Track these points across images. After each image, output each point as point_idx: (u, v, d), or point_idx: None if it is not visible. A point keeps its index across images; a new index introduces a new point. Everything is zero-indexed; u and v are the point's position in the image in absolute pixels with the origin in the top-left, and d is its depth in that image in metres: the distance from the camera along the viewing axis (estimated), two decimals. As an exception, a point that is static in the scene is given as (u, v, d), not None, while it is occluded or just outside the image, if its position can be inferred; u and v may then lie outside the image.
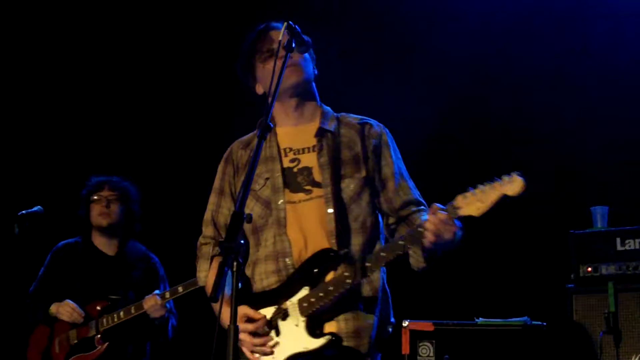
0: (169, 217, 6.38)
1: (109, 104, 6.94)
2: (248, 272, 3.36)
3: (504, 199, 2.97)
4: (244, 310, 3.18)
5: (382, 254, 3.15)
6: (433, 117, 6.13)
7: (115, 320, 5.17)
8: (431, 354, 5.01)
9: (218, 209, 3.48)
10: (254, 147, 3.27)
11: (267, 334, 3.20)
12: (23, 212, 5.04)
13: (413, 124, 5.81)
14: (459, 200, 3.03)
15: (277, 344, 3.19)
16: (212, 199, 3.52)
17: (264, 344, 3.18)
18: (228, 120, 3.60)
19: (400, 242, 3.13)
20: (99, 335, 5.19)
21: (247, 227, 3.33)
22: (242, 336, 3.13)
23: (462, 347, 5.00)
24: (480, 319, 5.08)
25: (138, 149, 6.87)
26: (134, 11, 6.81)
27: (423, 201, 3.44)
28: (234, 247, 2.60)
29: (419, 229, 3.08)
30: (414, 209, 3.40)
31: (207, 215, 3.52)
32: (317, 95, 3.51)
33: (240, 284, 2.60)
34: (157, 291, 5.18)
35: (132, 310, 5.15)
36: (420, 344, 5.03)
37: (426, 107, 6.09)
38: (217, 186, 3.51)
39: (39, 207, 5.13)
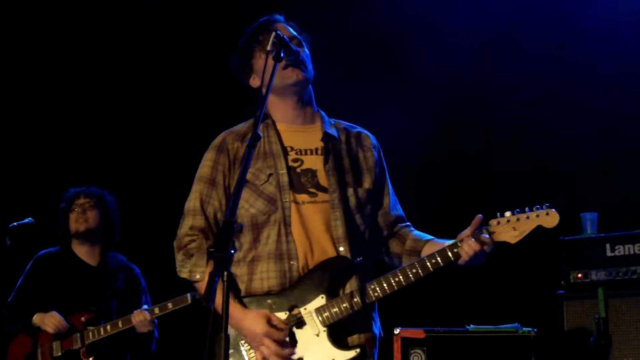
0: (149, 228, 6.36)
1: (98, 116, 6.94)
2: (243, 269, 3.25)
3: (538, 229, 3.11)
4: (267, 314, 3.13)
5: (413, 270, 3.14)
6: (421, 128, 6.15)
7: (102, 333, 5.16)
8: (423, 361, 5.03)
9: (208, 199, 3.31)
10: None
11: (288, 343, 3.13)
12: (14, 224, 5.03)
13: (404, 137, 5.83)
14: (493, 226, 3.14)
15: (295, 353, 3.13)
16: (201, 187, 3.32)
17: (290, 355, 3.11)
18: (211, 133, 3.53)
19: (433, 261, 3.14)
20: (84, 348, 5.16)
21: (244, 222, 3.25)
22: (268, 343, 3.06)
23: (454, 354, 5.02)
24: (471, 325, 5.10)
25: (124, 160, 6.87)
26: (113, 27, 6.83)
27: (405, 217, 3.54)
28: (225, 258, 2.58)
29: (455, 250, 3.13)
30: (401, 224, 3.50)
31: (195, 204, 3.31)
32: (313, 95, 3.48)
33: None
34: (145, 306, 5.19)
35: (120, 325, 5.14)
36: (412, 352, 5.04)
37: (414, 118, 6.12)
38: (207, 175, 3.33)
39: (30, 219, 5.12)
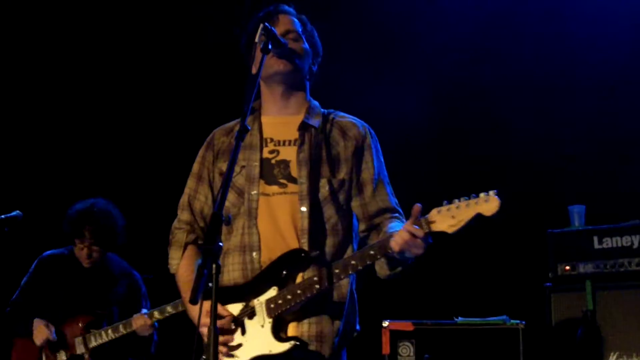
0: (148, 230, 6.33)
1: (87, 109, 6.92)
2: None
3: (479, 218, 2.87)
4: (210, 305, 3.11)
5: (352, 262, 3.08)
6: (412, 115, 6.15)
7: (104, 338, 5.20)
8: (411, 354, 5.04)
9: (195, 194, 3.43)
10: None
11: (232, 332, 3.16)
12: (1, 217, 5.01)
13: (395, 120, 5.82)
14: (433, 215, 2.95)
15: (241, 344, 3.15)
16: (191, 183, 3.46)
17: (227, 342, 3.13)
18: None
19: (371, 252, 3.06)
20: (88, 354, 5.21)
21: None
22: (206, 331, 2.97)
23: (442, 346, 5.03)
24: (459, 318, 5.11)
25: (116, 155, 6.85)
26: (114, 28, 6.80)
27: (399, 209, 3.39)
28: (213, 250, 2.59)
29: (388, 241, 3.01)
30: (388, 216, 3.35)
31: (184, 199, 3.45)
32: (308, 89, 3.46)
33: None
34: (144, 310, 5.21)
35: (121, 329, 5.18)
36: (401, 344, 5.05)
37: (406, 105, 6.11)
38: (196, 171, 3.46)
39: (17, 211, 5.10)
